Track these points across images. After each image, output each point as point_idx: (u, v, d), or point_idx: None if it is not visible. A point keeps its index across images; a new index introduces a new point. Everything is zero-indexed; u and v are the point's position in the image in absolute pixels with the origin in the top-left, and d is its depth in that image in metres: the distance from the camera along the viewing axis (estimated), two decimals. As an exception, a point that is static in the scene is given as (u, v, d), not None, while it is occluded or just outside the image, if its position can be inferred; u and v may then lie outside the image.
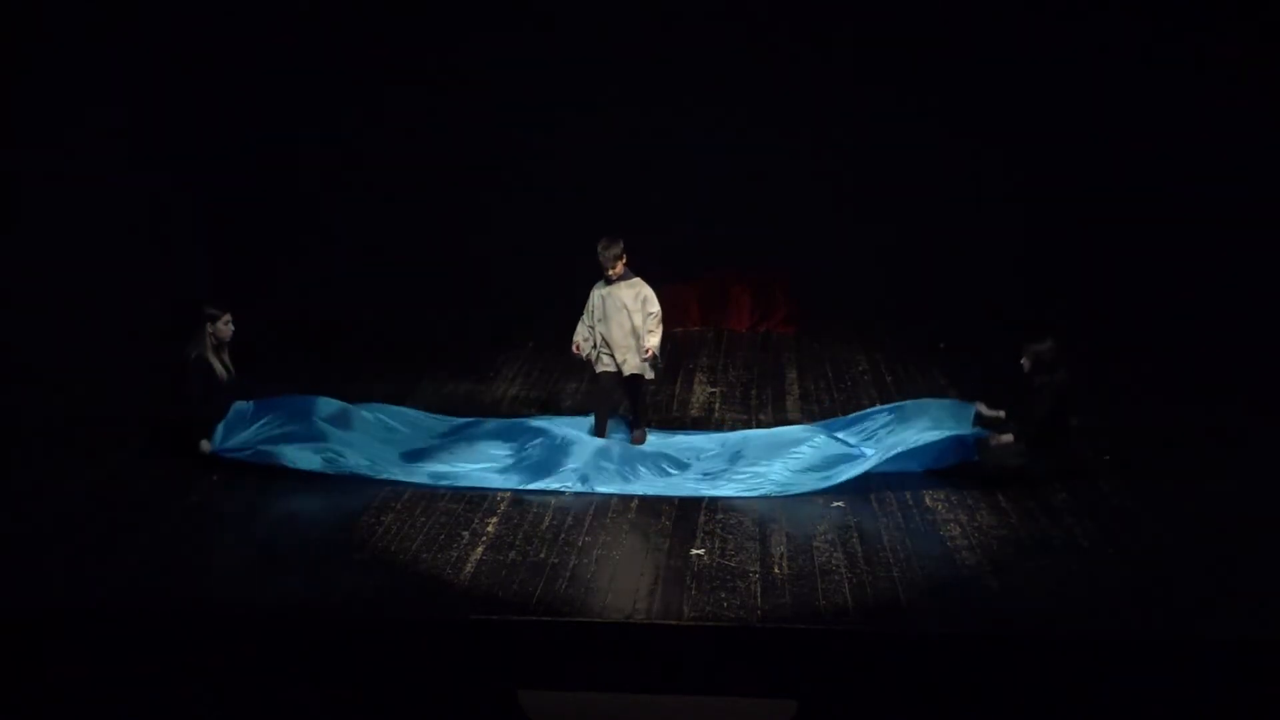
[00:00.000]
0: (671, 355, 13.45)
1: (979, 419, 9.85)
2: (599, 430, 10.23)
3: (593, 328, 10.16)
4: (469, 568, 8.21)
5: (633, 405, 10.41)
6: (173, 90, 14.30)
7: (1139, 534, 8.76)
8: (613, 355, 10.13)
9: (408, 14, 15.06)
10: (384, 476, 9.64)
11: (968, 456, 9.70)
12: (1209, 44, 13.97)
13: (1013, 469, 9.60)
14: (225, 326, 10.05)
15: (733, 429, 10.91)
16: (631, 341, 10.06)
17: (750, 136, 15.06)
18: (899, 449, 9.60)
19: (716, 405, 11.84)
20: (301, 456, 9.69)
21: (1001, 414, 9.87)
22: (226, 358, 10.13)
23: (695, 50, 14.90)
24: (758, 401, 11.95)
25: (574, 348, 10.23)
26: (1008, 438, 9.64)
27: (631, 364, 10.11)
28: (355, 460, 9.74)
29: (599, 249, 9.98)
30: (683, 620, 7.54)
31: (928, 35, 14.65)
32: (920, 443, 9.63)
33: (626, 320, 10.03)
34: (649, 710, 7.41)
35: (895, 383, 12.47)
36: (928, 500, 9.36)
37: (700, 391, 12.27)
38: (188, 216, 14.65)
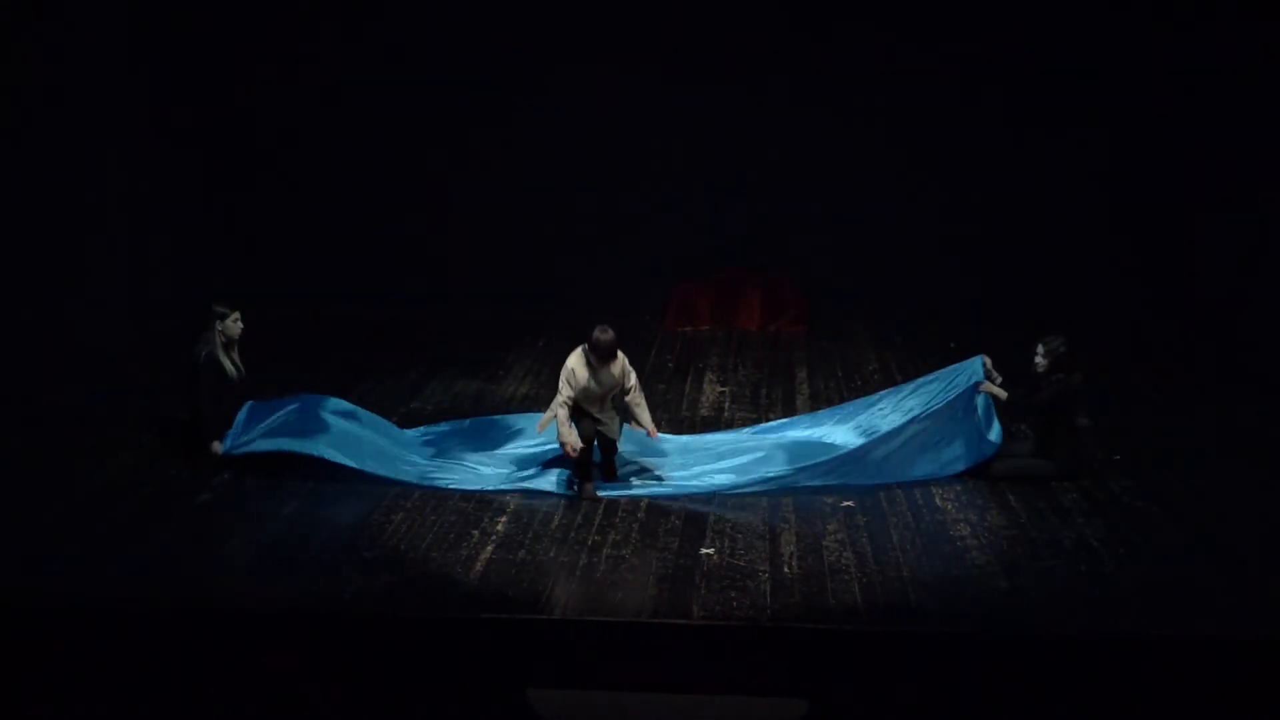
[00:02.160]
0: (682, 354, 13.50)
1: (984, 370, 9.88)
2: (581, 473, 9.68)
3: (569, 404, 9.40)
4: (479, 566, 8.21)
5: (604, 459, 9.77)
6: (178, 90, 14.35)
7: (1149, 534, 8.74)
8: (593, 413, 9.52)
9: (414, 11, 15.08)
10: (398, 477, 9.63)
11: (983, 455, 9.67)
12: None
13: (1022, 469, 9.61)
14: (234, 325, 10.06)
15: (744, 427, 10.90)
16: (612, 412, 9.60)
17: (762, 136, 15.04)
18: (906, 435, 9.66)
19: (726, 404, 11.83)
20: (309, 444, 9.66)
21: (1000, 378, 9.86)
22: (236, 356, 10.14)
23: (709, 45, 14.89)
24: (768, 401, 11.95)
25: (569, 450, 9.32)
26: (998, 391, 9.65)
27: (611, 430, 9.59)
28: (366, 459, 9.75)
29: (597, 335, 9.28)
30: (692, 619, 7.53)
31: (938, 36, 14.63)
32: (930, 409, 9.68)
33: (607, 391, 9.50)
34: (659, 709, 7.40)
35: (905, 382, 12.43)
36: (938, 500, 9.35)
37: (710, 390, 12.26)
38: (196, 216, 14.68)
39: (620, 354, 9.50)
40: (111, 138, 13.61)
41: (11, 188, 12.34)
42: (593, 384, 9.41)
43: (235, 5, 14.63)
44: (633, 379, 9.62)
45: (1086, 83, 14.42)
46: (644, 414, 9.72)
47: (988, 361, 9.87)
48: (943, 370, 10.17)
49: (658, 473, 9.80)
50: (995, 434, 9.70)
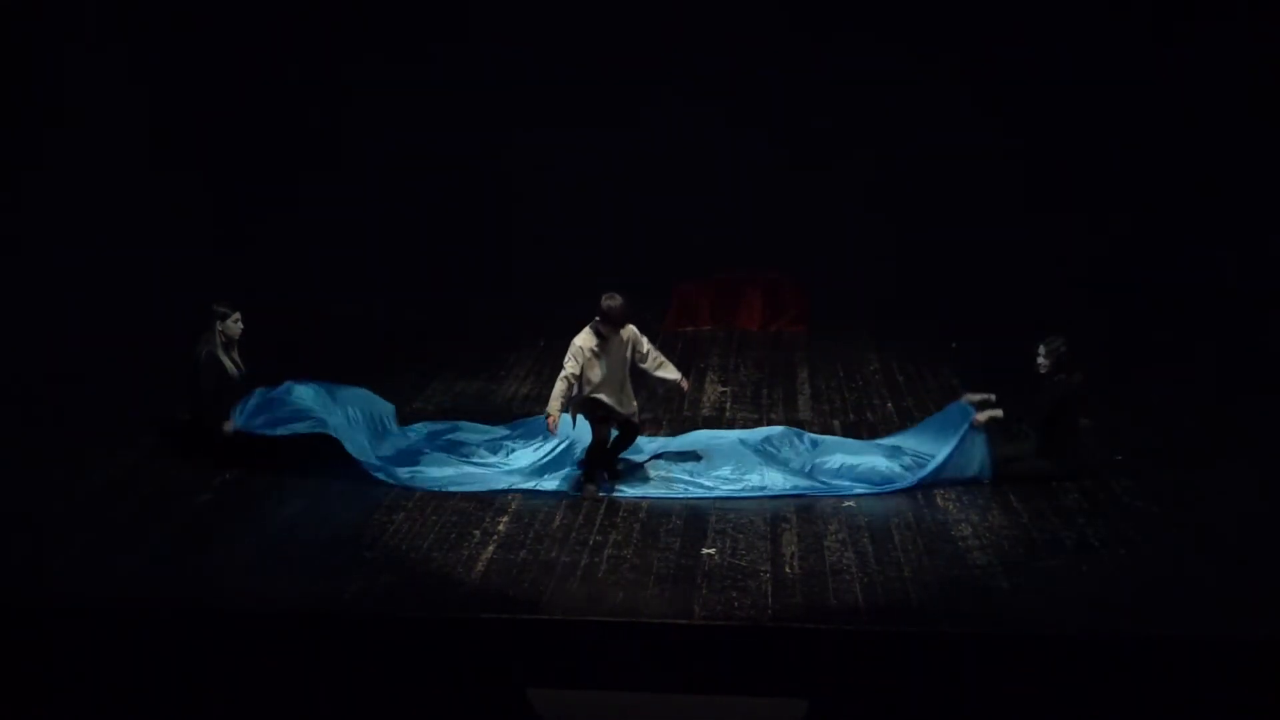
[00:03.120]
0: (683, 354, 13.48)
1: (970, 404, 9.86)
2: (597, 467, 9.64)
3: (572, 380, 9.38)
4: (480, 566, 8.22)
5: (618, 447, 9.69)
6: (184, 92, 14.36)
7: (1150, 535, 8.73)
8: (611, 404, 9.44)
9: (415, 11, 15.07)
10: (398, 482, 9.62)
11: (985, 473, 9.66)
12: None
13: (1024, 469, 9.60)
14: (235, 325, 10.07)
15: (745, 428, 10.89)
16: (628, 388, 9.54)
17: (763, 137, 15.05)
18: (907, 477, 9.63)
19: (728, 405, 11.82)
20: (319, 425, 9.73)
21: (991, 396, 9.85)
22: (236, 356, 10.15)
23: (710, 44, 14.89)
24: (769, 401, 11.94)
25: (549, 422, 9.34)
26: (995, 412, 9.61)
27: (628, 408, 9.58)
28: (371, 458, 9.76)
29: (606, 303, 9.25)
30: (693, 619, 7.53)
31: (939, 36, 14.63)
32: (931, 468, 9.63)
33: (620, 368, 9.45)
34: (660, 709, 7.41)
35: (906, 382, 12.45)
36: (939, 500, 9.34)
37: (711, 390, 12.25)
38: (199, 217, 14.69)
39: (629, 323, 9.48)
40: (112, 136, 13.60)
41: (11, 186, 12.34)
42: (605, 358, 9.32)
43: (236, 5, 14.63)
44: (645, 343, 9.57)
45: (1088, 83, 14.43)
46: (669, 371, 9.68)
47: (972, 398, 9.87)
48: (929, 421, 10.13)
49: (665, 474, 9.76)
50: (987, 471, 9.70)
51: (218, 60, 14.59)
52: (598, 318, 9.34)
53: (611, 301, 9.30)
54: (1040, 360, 9.64)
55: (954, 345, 13.57)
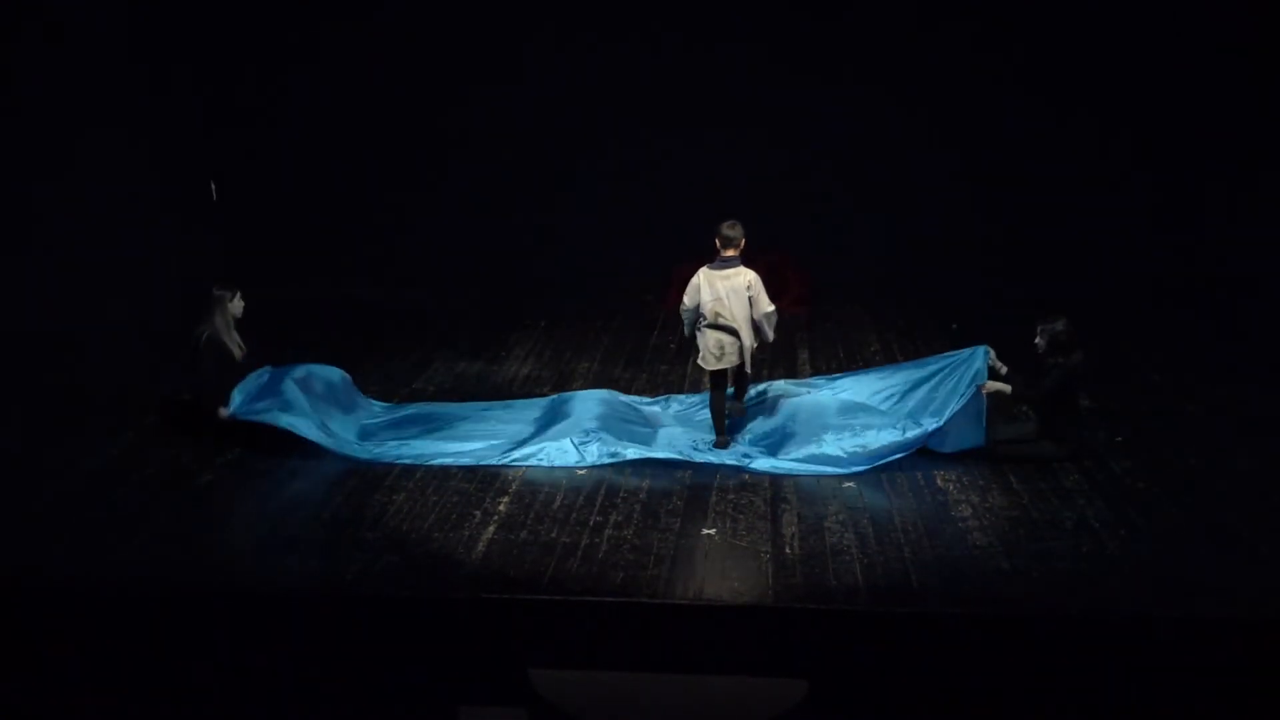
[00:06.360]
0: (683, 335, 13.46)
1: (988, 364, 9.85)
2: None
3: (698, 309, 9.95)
4: (480, 547, 8.23)
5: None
6: (179, 74, 14.36)
7: (1151, 515, 8.74)
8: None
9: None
10: (385, 459, 9.67)
11: (977, 442, 9.66)
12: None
13: (1024, 451, 9.60)
14: (236, 304, 10.08)
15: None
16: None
17: (761, 115, 15.01)
18: (911, 433, 9.63)
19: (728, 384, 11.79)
20: (305, 428, 9.72)
21: (1005, 369, 9.83)
22: (238, 335, 10.16)
23: (707, 21, 14.86)
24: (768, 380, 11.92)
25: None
26: (1003, 386, 9.61)
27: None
28: (356, 444, 9.82)
29: (728, 230, 9.80)
30: (694, 600, 7.55)
31: (938, 16, 14.61)
32: (933, 426, 9.64)
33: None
34: (660, 689, 7.43)
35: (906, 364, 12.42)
36: (939, 481, 9.35)
37: (711, 371, 12.22)
38: (200, 196, 14.69)
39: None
40: (112, 123, 13.60)
41: (12, 174, 12.35)
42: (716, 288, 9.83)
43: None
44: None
45: (1088, 61, 14.40)
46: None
47: (992, 354, 9.83)
48: (946, 360, 10.11)
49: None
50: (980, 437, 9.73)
51: (214, 42, 14.58)
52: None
53: (729, 230, 9.74)
54: (1038, 340, 9.62)
55: (954, 326, 13.56)
